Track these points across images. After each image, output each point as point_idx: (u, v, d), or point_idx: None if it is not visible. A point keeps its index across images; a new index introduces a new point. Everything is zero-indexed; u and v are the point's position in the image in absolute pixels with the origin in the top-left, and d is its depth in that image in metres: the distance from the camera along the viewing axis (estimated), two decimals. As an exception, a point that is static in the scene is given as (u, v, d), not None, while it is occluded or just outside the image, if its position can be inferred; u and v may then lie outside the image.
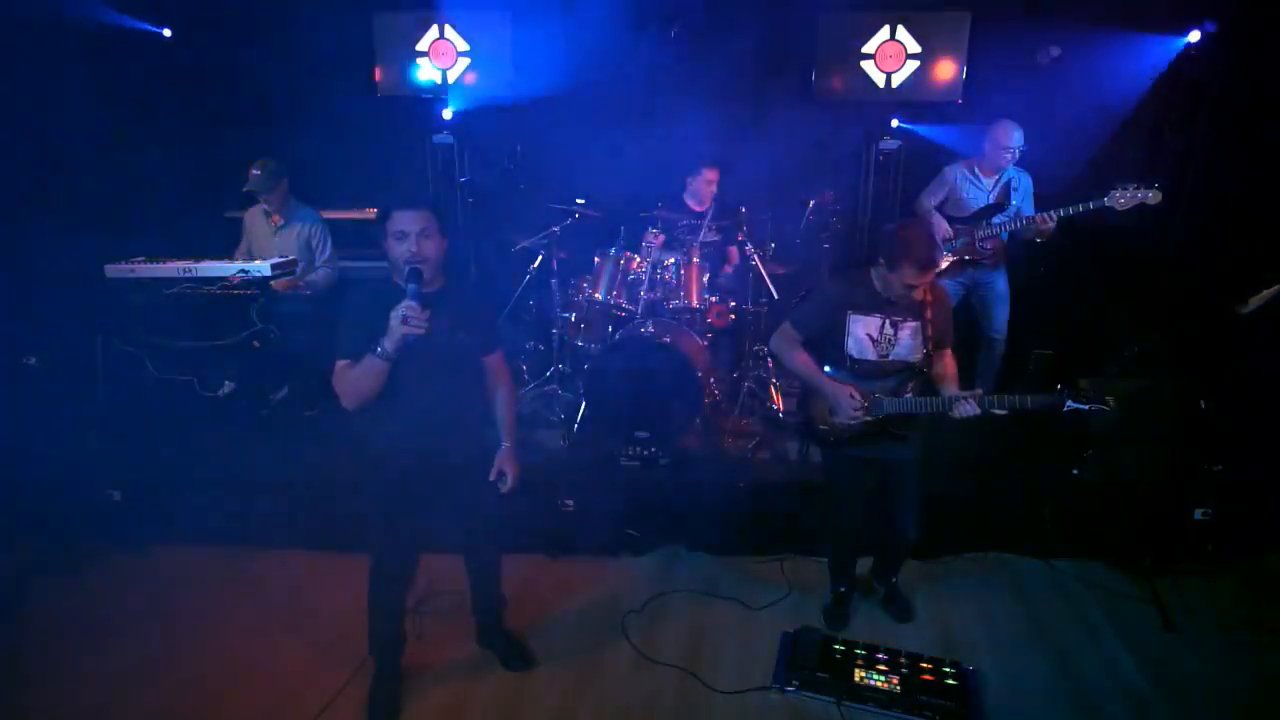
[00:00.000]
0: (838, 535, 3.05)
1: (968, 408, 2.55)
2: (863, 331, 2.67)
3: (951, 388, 2.67)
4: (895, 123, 4.70)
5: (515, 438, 2.63)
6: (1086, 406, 2.50)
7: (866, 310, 2.67)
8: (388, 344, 2.14)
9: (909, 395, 2.66)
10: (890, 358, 2.68)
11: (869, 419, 2.69)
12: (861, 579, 3.23)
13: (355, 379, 2.23)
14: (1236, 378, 3.72)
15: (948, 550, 3.50)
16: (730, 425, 4.20)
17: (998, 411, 2.55)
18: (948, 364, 2.76)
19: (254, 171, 3.95)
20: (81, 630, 3.03)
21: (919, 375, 2.69)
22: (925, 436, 2.82)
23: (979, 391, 2.57)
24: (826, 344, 2.75)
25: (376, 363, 2.17)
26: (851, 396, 2.66)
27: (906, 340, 2.67)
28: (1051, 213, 3.71)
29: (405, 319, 2.10)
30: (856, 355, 2.69)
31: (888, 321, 2.67)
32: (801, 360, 2.76)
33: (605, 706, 2.65)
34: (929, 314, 2.66)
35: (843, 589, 3.13)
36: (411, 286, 2.16)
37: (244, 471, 3.68)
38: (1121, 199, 3.57)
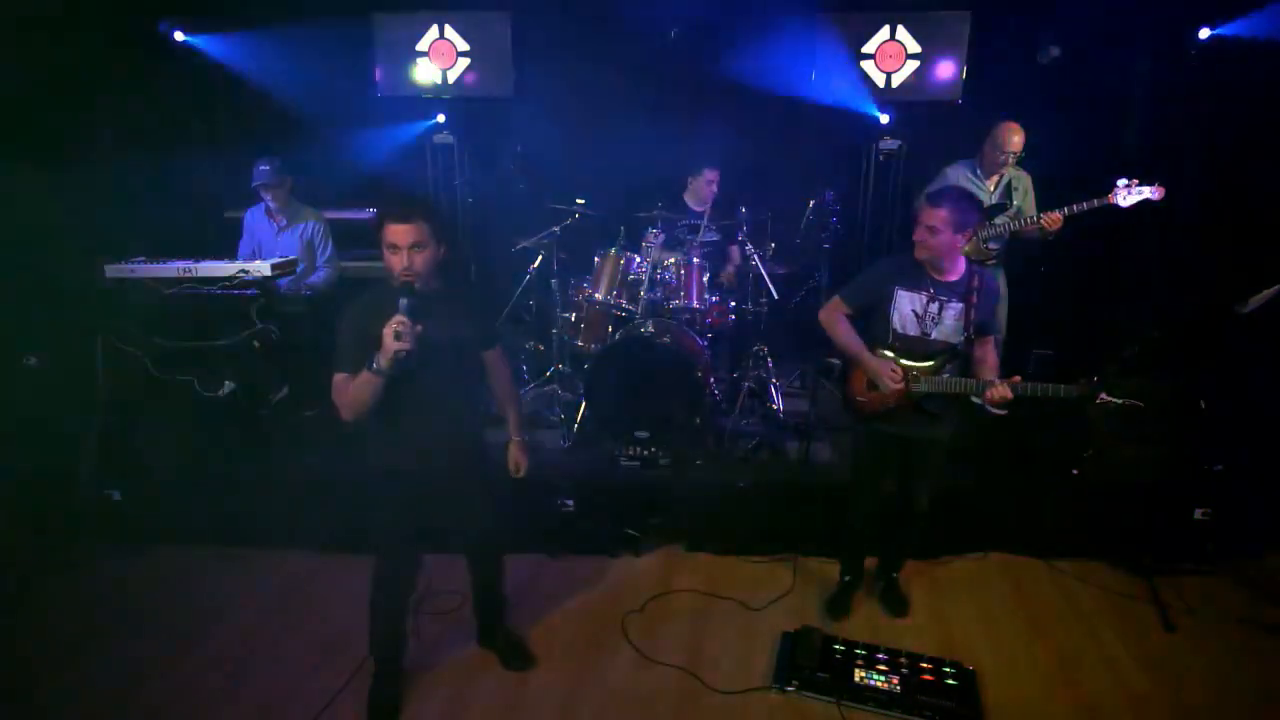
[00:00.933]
0: (856, 518, 3.07)
1: (1001, 391, 2.59)
2: (908, 307, 2.74)
3: (990, 374, 2.72)
4: (885, 118, 4.69)
5: (522, 431, 2.69)
6: (1120, 401, 2.61)
7: (913, 286, 2.73)
8: (382, 360, 2.16)
9: (946, 376, 2.71)
10: (933, 336, 2.74)
11: (906, 393, 2.73)
12: (867, 574, 3.24)
13: (353, 393, 2.24)
14: (1236, 378, 3.72)
15: (948, 550, 3.50)
16: (730, 425, 4.20)
17: (1029, 396, 2.59)
18: (988, 351, 2.79)
19: (263, 166, 3.95)
20: (81, 630, 3.03)
21: (959, 358, 2.74)
22: (957, 422, 2.85)
23: (1018, 379, 2.60)
24: (873, 318, 2.82)
25: (372, 378, 2.18)
26: (892, 370, 2.72)
27: (950, 321, 2.72)
28: (1059, 210, 3.72)
29: (397, 334, 2.12)
30: (900, 330, 2.75)
31: (933, 300, 2.72)
32: (846, 331, 2.83)
33: (605, 706, 2.66)
34: (974, 299, 2.71)
35: (848, 578, 3.16)
36: (403, 300, 2.16)
37: (244, 471, 3.68)
38: (1127, 195, 3.58)
